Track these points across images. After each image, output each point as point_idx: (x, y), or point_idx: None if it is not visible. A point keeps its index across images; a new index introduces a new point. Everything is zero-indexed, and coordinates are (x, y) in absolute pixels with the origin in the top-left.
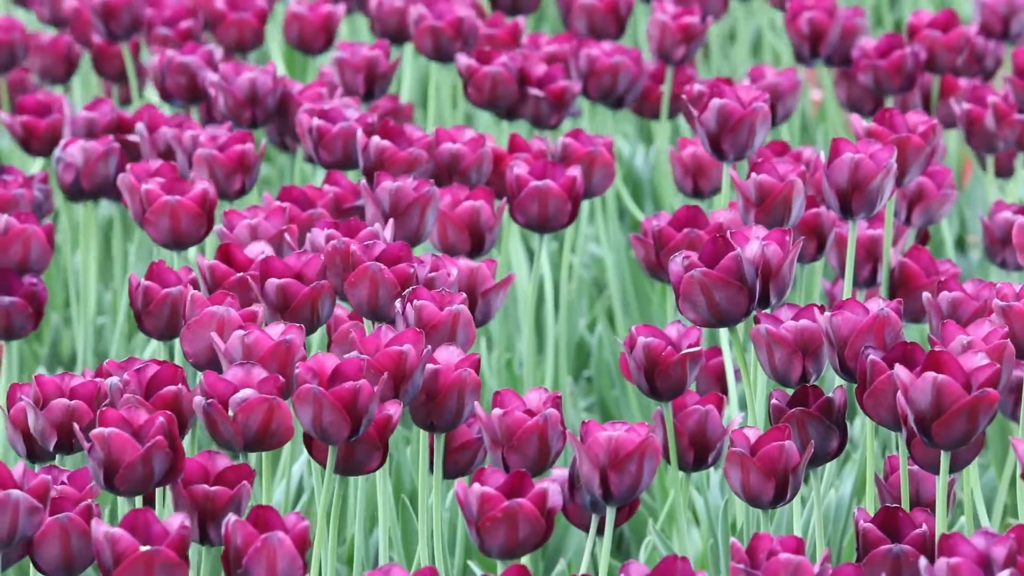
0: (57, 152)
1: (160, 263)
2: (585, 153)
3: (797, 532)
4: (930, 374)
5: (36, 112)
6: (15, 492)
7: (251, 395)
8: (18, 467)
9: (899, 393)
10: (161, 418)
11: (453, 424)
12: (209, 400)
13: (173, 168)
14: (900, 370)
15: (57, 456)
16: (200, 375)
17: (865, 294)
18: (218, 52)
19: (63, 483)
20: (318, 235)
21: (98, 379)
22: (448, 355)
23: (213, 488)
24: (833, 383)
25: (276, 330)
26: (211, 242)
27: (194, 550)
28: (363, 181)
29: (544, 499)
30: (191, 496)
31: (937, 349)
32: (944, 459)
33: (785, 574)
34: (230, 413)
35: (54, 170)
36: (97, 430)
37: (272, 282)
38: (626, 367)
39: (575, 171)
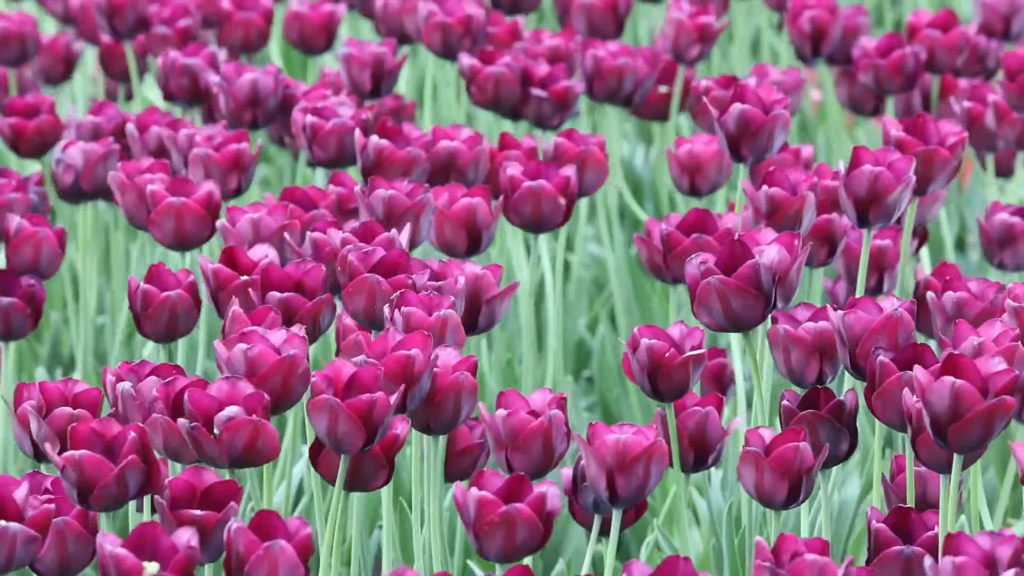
0: (57, 154)
1: (160, 266)
2: (577, 152)
3: (804, 533)
4: (948, 378)
5: (25, 114)
6: (12, 525)
7: (236, 413)
8: (22, 489)
9: (905, 392)
10: (133, 432)
11: (450, 427)
12: (193, 424)
13: (165, 166)
14: (919, 371)
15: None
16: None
17: None
18: (221, 54)
19: (47, 490)
20: (329, 235)
21: (111, 381)
22: (445, 356)
23: (201, 513)
24: (843, 383)
25: (279, 337)
26: (214, 239)
27: None
28: (359, 187)
29: (543, 503)
30: (179, 520)
31: (954, 352)
32: (956, 461)
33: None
34: (215, 431)
35: (50, 172)
36: (69, 453)
37: (274, 296)
38: (629, 367)
39: (569, 171)
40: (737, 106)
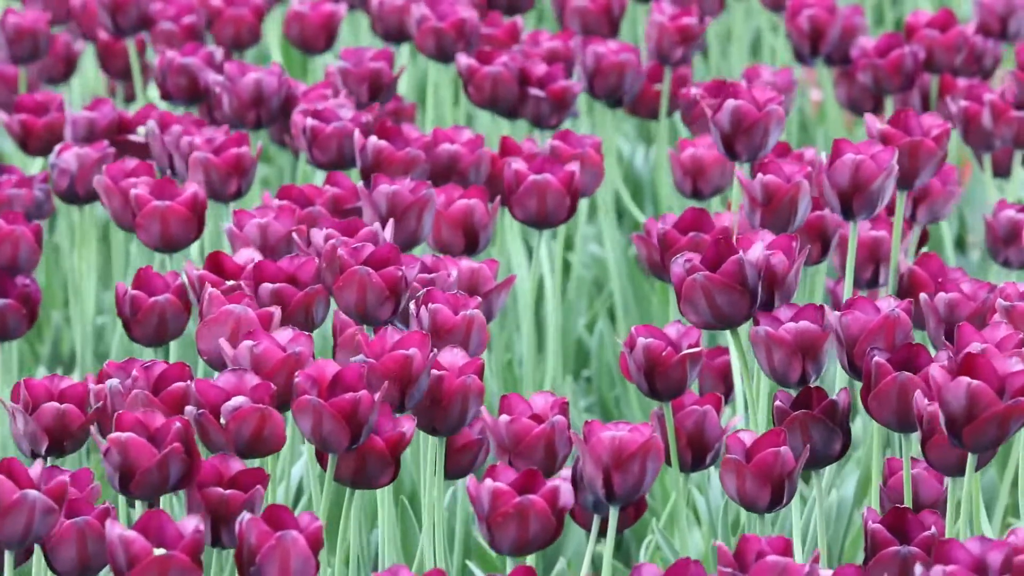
0: (52, 158)
1: (147, 270)
2: (573, 154)
3: (797, 533)
4: (965, 379)
5: (34, 111)
6: (31, 492)
7: (243, 403)
8: (36, 466)
9: (917, 395)
10: (178, 423)
11: (456, 429)
12: (200, 411)
13: (150, 168)
14: (935, 370)
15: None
16: (192, 383)
17: (868, 295)
18: (219, 53)
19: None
20: (317, 235)
21: (91, 382)
22: (452, 358)
23: (227, 491)
24: (834, 382)
25: (284, 336)
26: (213, 242)
27: (207, 553)
28: (361, 184)
29: (555, 497)
30: (205, 498)
31: (971, 351)
32: (971, 460)
33: None
34: (222, 421)
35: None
36: (114, 435)
37: (266, 287)
38: (626, 367)
39: (573, 165)
40: (731, 102)
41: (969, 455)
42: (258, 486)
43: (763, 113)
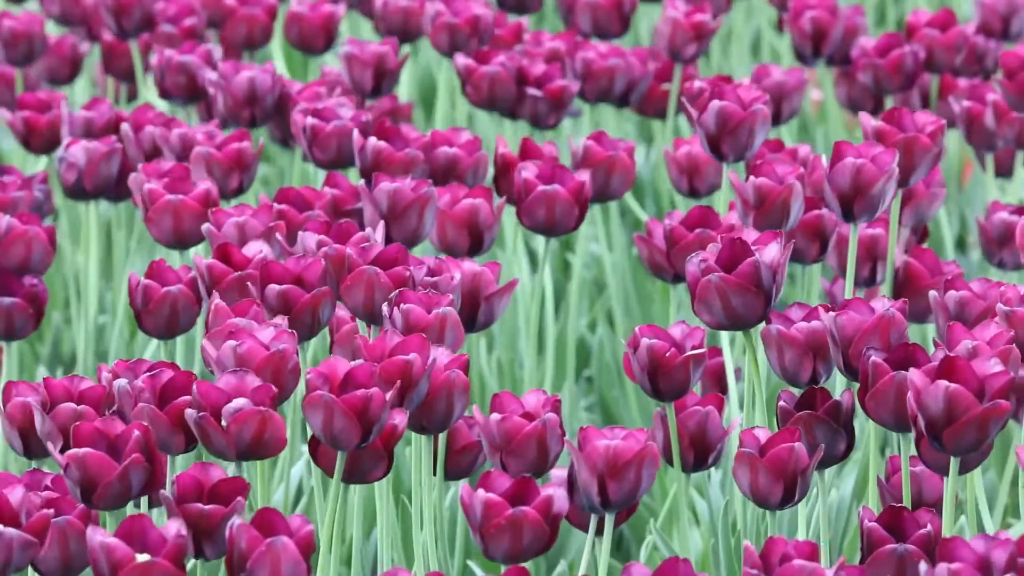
0: (59, 152)
1: (160, 262)
2: (605, 157)
3: (800, 533)
4: (943, 382)
5: (37, 109)
6: (9, 531)
7: (244, 405)
8: (16, 493)
9: (910, 395)
10: (137, 431)
11: (443, 425)
12: (201, 413)
13: (186, 169)
14: (914, 373)
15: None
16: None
17: (865, 293)
18: (217, 51)
19: (47, 487)
20: (308, 238)
21: (107, 377)
22: (437, 356)
23: (208, 507)
24: (837, 382)
25: (267, 334)
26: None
27: (190, 565)
28: (362, 182)
29: (549, 505)
30: (185, 514)
31: (950, 354)
32: (954, 463)
33: None
34: (223, 423)
35: (55, 170)
36: (72, 451)
37: (273, 288)
38: (629, 367)
39: (584, 176)
40: (715, 103)
41: (952, 458)
42: (239, 498)
43: (748, 113)
